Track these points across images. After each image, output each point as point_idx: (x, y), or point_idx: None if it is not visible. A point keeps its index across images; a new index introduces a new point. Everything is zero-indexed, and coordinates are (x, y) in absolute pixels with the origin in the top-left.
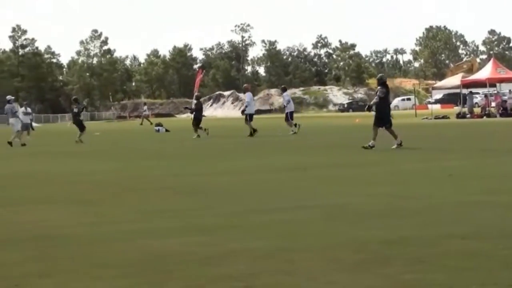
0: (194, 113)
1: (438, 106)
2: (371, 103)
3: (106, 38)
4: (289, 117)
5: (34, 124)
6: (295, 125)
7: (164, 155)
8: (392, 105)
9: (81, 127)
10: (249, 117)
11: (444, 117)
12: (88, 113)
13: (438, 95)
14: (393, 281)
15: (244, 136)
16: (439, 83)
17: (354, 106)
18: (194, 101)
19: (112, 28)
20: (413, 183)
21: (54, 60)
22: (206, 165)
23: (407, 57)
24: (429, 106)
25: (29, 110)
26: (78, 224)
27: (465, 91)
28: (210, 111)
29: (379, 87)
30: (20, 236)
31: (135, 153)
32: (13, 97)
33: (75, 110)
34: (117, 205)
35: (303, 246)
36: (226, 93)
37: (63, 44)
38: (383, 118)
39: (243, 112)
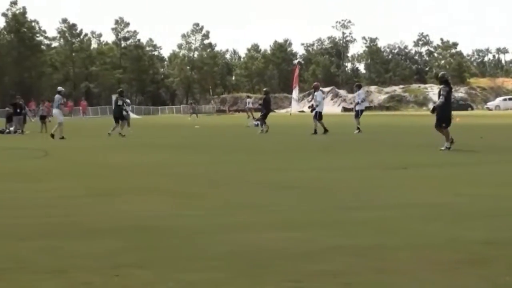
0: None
1: None
2: (436, 105)
3: (208, 32)
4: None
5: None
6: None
7: (261, 150)
8: (493, 105)
9: (117, 121)
10: (318, 116)
11: None
12: (188, 106)
13: None
14: (493, 283)
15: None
16: None
17: (455, 105)
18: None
19: (213, 21)
20: None
21: (156, 53)
22: (301, 160)
23: (510, 56)
24: None
25: (128, 101)
26: (178, 215)
27: None
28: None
29: (442, 86)
30: (121, 226)
31: (234, 146)
32: (63, 89)
33: (119, 102)
34: (216, 198)
35: (401, 244)
36: (326, 89)
37: (165, 37)
38: (443, 119)
39: (312, 109)
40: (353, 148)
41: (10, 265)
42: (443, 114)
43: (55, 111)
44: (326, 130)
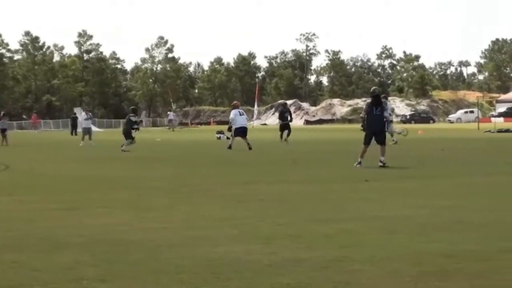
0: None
1: (501, 119)
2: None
3: (172, 46)
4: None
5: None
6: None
7: (226, 163)
8: (455, 118)
9: (128, 137)
10: (235, 133)
11: (507, 130)
12: (150, 119)
13: (501, 108)
14: None
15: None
16: (503, 96)
17: (417, 118)
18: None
19: (177, 34)
20: (477, 197)
21: (119, 66)
22: (267, 173)
23: (472, 69)
24: (493, 119)
25: (90, 115)
26: (142, 229)
27: None
28: (272, 120)
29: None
30: (85, 239)
31: (199, 160)
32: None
33: (133, 119)
34: (180, 211)
35: (364, 257)
36: (289, 101)
37: (129, 50)
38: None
39: (229, 129)
40: (317, 161)
41: None
42: (366, 130)
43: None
44: (249, 147)
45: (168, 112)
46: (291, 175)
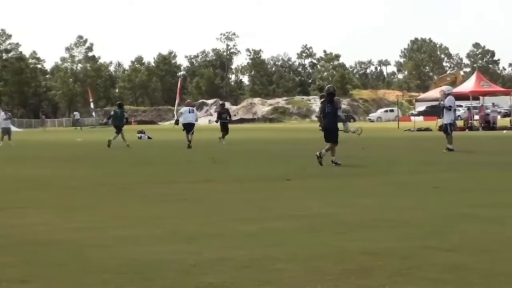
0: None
1: (421, 118)
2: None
3: (92, 45)
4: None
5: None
6: None
7: (148, 162)
8: (375, 116)
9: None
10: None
11: (426, 129)
12: (70, 119)
13: (421, 107)
14: None
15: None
16: (422, 95)
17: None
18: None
19: (97, 34)
20: (399, 195)
21: (39, 66)
22: (190, 173)
23: (391, 68)
24: (412, 118)
25: (9, 115)
26: (66, 229)
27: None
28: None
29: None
30: (7, 240)
31: (119, 159)
32: None
33: (125, 115)
34: (104, 211)
35: (287, 256)
36: (210, 101)
37: (49, 50)
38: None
39: (176, 122)
40: (240, 160)
41: None
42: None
43: None
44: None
45: (74, 112)
46: (214, 174)
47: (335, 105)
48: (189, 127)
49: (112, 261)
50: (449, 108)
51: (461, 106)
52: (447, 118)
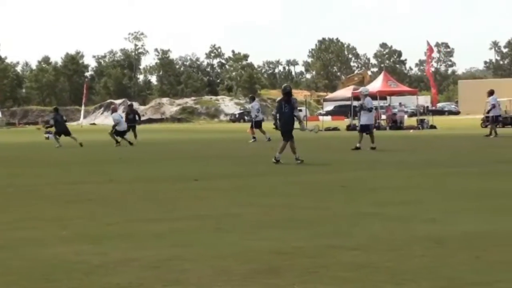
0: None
1: (329, 117)
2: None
3: None
4: (255, 125)
5: None
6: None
7: (54, 163)
8: None
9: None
10: (118, 133)
11: (334, 128)
12: None
13: (329, 107)
14: None
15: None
16: (330, 95)
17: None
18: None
19: (4, 32)
20: (307, 194)
21: None
22: (96, 173)
23: (299, 68)
24: (320, 117)
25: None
26: None
27: (356, 103)
28: (101, 119)
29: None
30: None
31: (26, 160)
32: None
33: (130, 116)
34: (9, 212)
35: (194, 256)
36: (118, 101)
37: None
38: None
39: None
40: (146, 160)
41: None
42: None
43: None
44: (117, 143)
45: None
46: (120, 174)
47: (292, 105)
48: (124, 132)
49: (17, 263)
50: (370, 110)
51: None
52: (366, 119)
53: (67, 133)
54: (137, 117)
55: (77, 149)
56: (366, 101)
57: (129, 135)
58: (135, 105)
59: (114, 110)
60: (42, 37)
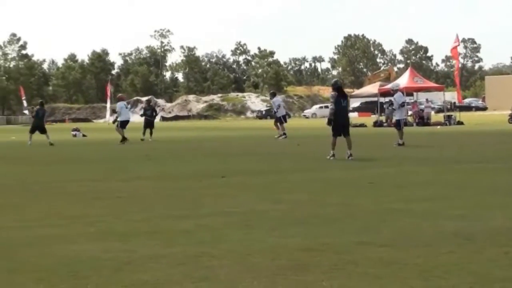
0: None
1: (355, 114)
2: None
3: (25, 43)
4: (281, 120)
5: None
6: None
7: (80, 160)
8: (310, 113)
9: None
10: (120, 125)
11: (361, 125)
12: (5, 117)
13: (355, 103)
14: None
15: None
16: (356, 91)
17: (272, 113)
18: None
19: (31, 31)
20: (333, 191)
21: None
22: (124, 170)
23: (325, 65)
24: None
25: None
26: None
27: (382, 99)
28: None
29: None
30: None
31: (53, 157)
32: None
33: (148, 113)
34: (36, 209)
35: (221, 252)
36: (144, 98)
37: None
38: (332, 127)
39: (114, 121)
40: (173, 157)
41: None
42: (333, 121)
43: None
44: (124, 140)
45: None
46: (146, 172)
47: (348, 100)
48: (126, 124)
49: (45, 260)
50: (402, 105)
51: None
52: (399, 114)
53: (43, 130)
54: (154, 113)
55: (104, 146)
56: (397, 96)
57: (146, 134)
58: (162, 102)
59: (121, 99)
60: (68, 35)
